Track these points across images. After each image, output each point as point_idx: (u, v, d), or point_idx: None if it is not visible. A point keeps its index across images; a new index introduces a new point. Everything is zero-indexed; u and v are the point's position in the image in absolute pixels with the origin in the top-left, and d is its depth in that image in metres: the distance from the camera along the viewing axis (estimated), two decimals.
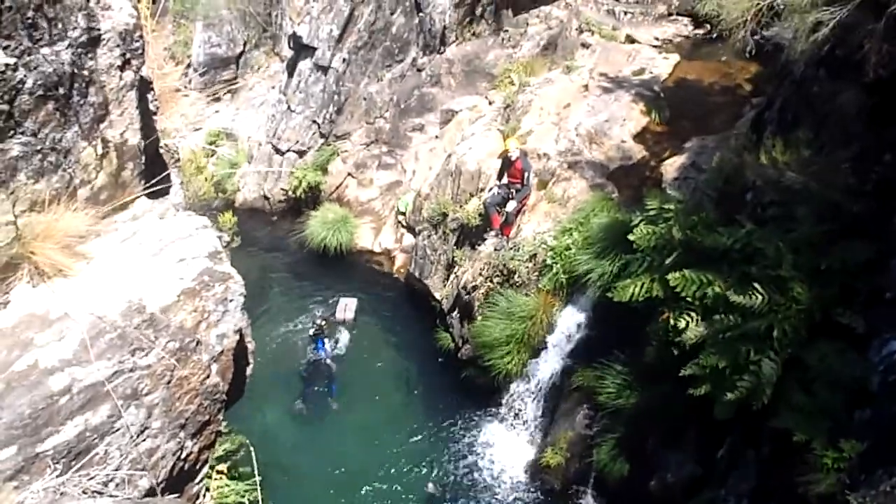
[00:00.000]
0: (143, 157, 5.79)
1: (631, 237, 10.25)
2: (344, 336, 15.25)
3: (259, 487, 5.13)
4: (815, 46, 9.70)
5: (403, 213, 17.32)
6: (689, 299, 9.17)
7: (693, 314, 9.11)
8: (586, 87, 15.45)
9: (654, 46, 17.55)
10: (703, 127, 13.54)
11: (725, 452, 9.63)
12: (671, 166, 12.76)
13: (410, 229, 17.05)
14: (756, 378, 8.25)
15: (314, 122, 19.03)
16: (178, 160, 6.90)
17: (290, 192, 18.97)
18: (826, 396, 7.89)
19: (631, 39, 17.94)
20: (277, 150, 19.42)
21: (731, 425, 9.44)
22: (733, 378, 8.50)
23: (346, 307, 16.06)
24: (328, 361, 14.39)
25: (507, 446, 12.69)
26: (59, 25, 4.91)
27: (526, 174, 12.93)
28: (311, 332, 14.74)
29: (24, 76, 4.67)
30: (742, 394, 8.30)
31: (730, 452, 9.59)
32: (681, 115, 14.33)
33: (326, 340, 14.63)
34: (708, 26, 17.12)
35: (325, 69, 18.65)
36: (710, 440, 9.87)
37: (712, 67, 15.59)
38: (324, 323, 14.83)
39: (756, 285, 8.46)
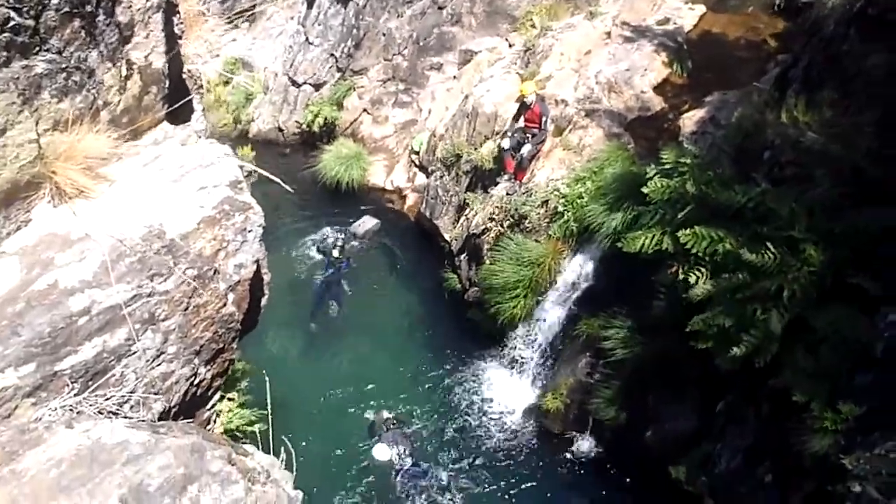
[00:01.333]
0: (167, 82, 5.77)
1: (644, 189, 10.19)
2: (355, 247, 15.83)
3: (270, 417, 5.22)
4: (846, 4, 9.52)
5: (417, 153, 17.25)
6: (699, 255, 9.17)
7: (702, 270, 9.12)
8: (608, 34, 15.17)
9: None
10: (726, 82, 13.30)
11: (724, 408, 9.74)
12: (690, 120, 12.61)
13: (423, 169, 17.00)
14: (762, 333, 8.28)
15: (332, 55, 18.83)
16: (201, 87, 6.87)
17: (304, 126, 18.88)
18: (829, 359, 7.95)
19: None
20: (293, 82, 19.27)
21: (731, 382, 9.55)
22: (738, 336, 8.54)
23: (364, 222, 16.63)
24: (341, 280, 14.85)
25: (507, 389, 12.85)
26: None
27: (543, 119, 12.81)
28: (333, 251, 15.01)
29: None
30: (747, 348, 8.34)
31: (728, 408, 9.70)
32: (703, 68, 14.08)
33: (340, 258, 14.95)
34: None
35: (345, 2, 18.39)
36: (709, 396, 9.98)
37: (738, 21, 15.25)
38: (340, 241, 15.29)
39: (768, 244, 8.45)
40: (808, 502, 8.39)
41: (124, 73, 5.32)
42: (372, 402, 12.42)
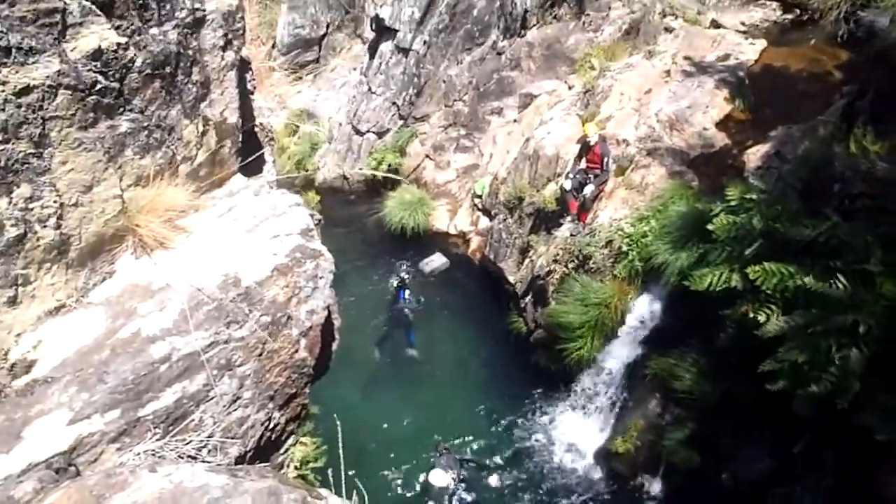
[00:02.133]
0: (240, 136, 6.02)
1: (710, 227, 10.10)
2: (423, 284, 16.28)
3: (342, 459, 5.30)
4: None
5: (479, 197, 17.39)
6: (768, 292, 9.01)
7: (773, 307, 8.96)
8: (668, 72, 15.18)
9: (740, 32, 17.04)
10: (789, 116, 13.14)
11: (802, 449, 9.46)
12: (754, 155, 12.47)
13: (486, 212, 17.11)
14: (842, 372, 8.05)
15: (394, 103, 19.22)
16: (273, 139, 7.13)
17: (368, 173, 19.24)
18: None
19: (716, 24, 17.48)
20: (357, 131, 19.69)
21: (809, 422, 9.28)
22: (813, 373, 8.33)
23: (433, 260, 16.94)
24: (407, 311, 15.12)
25: (577, 432, 12.71)
26: (168, 6, 5.14)
27: (605, 159, 12.85)
28: (395, 283, 15.76)
29: (135, 55, 4.91)
30: (826, 388, 8.12)
31: (807, 449, 9.42)
32: (766, 102, 13.94)
33: (408, 291, 15.40)
34: (797, 11, 16.62)
35: (405, 51, 18.79)
36: (785, 436, 9.71)
37: (800, 54, 15.09)
38: (407, 276, 15.96)
39: (840, 276, 8.27)
40: None
41: (201, 129, 5.58)
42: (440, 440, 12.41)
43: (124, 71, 4.85)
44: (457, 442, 12.64)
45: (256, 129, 6.65)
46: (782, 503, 9.55)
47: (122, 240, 5.18)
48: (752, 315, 9.18)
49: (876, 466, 7.89)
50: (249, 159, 6.02)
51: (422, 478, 11.89)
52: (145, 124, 5.11)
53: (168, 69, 5.18)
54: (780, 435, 9.85)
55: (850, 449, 8.72)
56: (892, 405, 7.78)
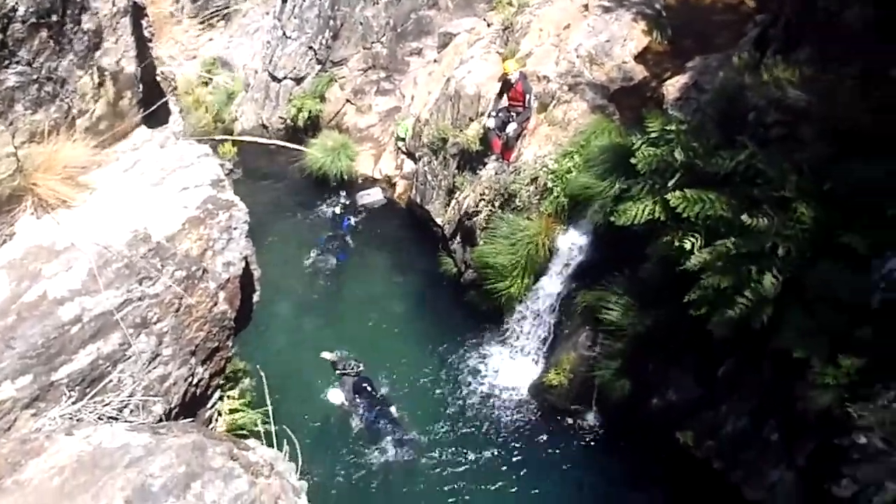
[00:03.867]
0: (140, 86, 5.74)
1: (632, 160, 10.21)
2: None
3: (270, 411, 5.23)
4: None
5: (403, 139, 17.19)
6: (691, 220, 9.18)
7: (696, 235, 9.14)
8: (586, 6, 15.09)
9: None
10: (706, 46, 13.27)
11: (726, 371, 9.78)
12: (673, 87, 12.58)
13: (410, 155, 16.95)
14: (757, 295, 8.31)
15: (310, 48, 18.74)
16: (176, 88, 6.84)
17: (288, 121, 18.83)
18: (826, 315, 7.99)
19: None
20: (274, 78, 19.19)
21: (732, 347, 9.59)
22: (734, 297, 8.57)
23: (370, 194, 17.13)
24: (348, 238, 15.82)
25: (510, 367, 12.88)
26: None
27: (527, 96, 12.79)
28: (338, 210, 16.51)
29: (16, 3, 4.60)
30: (742, 311, 8.37)
31: (730, 372, 9.75)
32: (683, 33, 14.05)
33: (352, 218, 16.29)
34: None
35: None
36: (711, 361, 10.02)
37: None
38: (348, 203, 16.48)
39: (760, 208, 8.47)
40: (815, 457, 8.48)
41: (97, 80, 5.28)
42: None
43: (6, 21, 4.53)
44: (386, 380, 12.69)
45: (158, 79, 6.36)
46: (709, 426, 9.89)
47: (20, 200, 4.91)
48: (676, 243, 9.36)
49: (794, 384, 8.20)
50: (152, 109, 5.74)
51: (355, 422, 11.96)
52: (35, 77, 4.81)
53: (55, 17, 4.85)
54: (706, 361, 10.16)
55: (771, 369, 9.05)
56: (808, 325, 8.06)
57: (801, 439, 8.64)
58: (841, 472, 7.94)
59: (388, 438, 11.62)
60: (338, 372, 12.08)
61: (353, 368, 12.00)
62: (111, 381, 4.71)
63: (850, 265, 7.91)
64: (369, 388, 11.88)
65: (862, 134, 8.22)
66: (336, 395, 11.94)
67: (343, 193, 17.11)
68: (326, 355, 12.31)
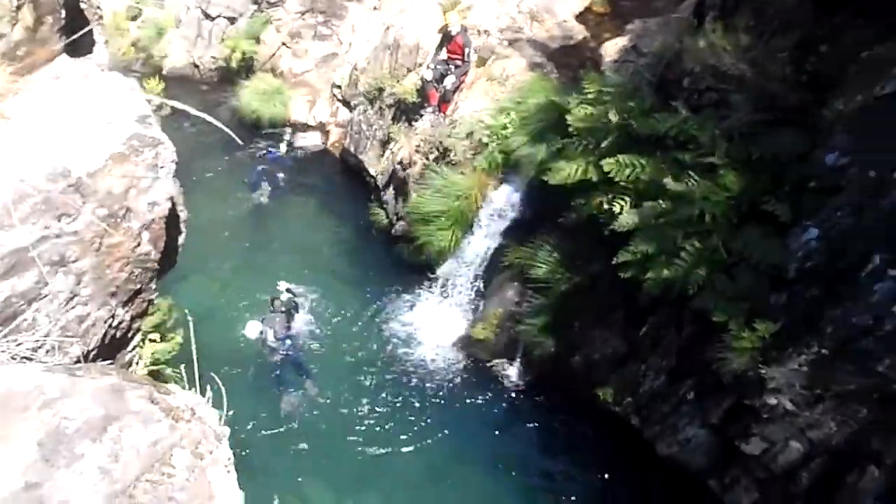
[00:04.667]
0: (63, 12, 5.44)
1: (568, 119, 10.24)
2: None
3: (194, 356, 5.13)
4: None
5: (339, 87, 16.88)
6: (622, 183, 9.29)
7: (626, 199, 9.26)
8: None
9: None
10: (646, 9, 13.35)
11: (648, 331, 10.02)
12: (612, 48, 12.63)
13: (346, 103, 16.67)
14: (692, 260, 8.47)
15: None
16: (101, 17, 6.52)
17: (220, 61, 18.25)
18: (747, 280, 8.21)
19: None
20: (207, 16, 18.51)
21: (654, 306, 9.80)
22: (660, 261, 8.74)
23: (308, 136, 17.28)
24: (278, 173, 15.74)
25: (438, 321, 12.94)
26: None
27: (466, 50, 12.67)
28: (263, 145, 16.30)
29: None
30: (677, 274, 8.54)
31: (652, 331, 9.98)
32: None
33: (282, 148, 16.25)
34: None
35: None
36: (634, 320, 10.24)
37: None
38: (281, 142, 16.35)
39: (689, 174, 8.61)
40: (727, 416, 8.78)
41: (15, 2, 4.99)
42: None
43: None
44: (315, 330, 12.64)
45: (83, 6, 6.04)
46: (628, 383, 10.15)
47: None
48: (606, 206, 9.47)
49: (712, 345, 8.44)
50: (75, 37, 5.46)
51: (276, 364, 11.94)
52: None
53: None
54: (629, 319, 10.39)
55: (691, 330, 9.30)
56: (728, 289, 8.29)
57: (715, 398, 8.93)
58: (751, 431, 8.26)
59: (310, 382, 11.68)
60: (270, 308, 11.94)
61: (284, 307, 11.91)
62: (25, 319, 4.54)
63: (772, 233, 8.13)
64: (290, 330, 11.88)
65: (791, 107, 8.40)
66: (253, 329, 11.82)
67: (276, 134, 16.80)
68: (282, 285, 12.24)
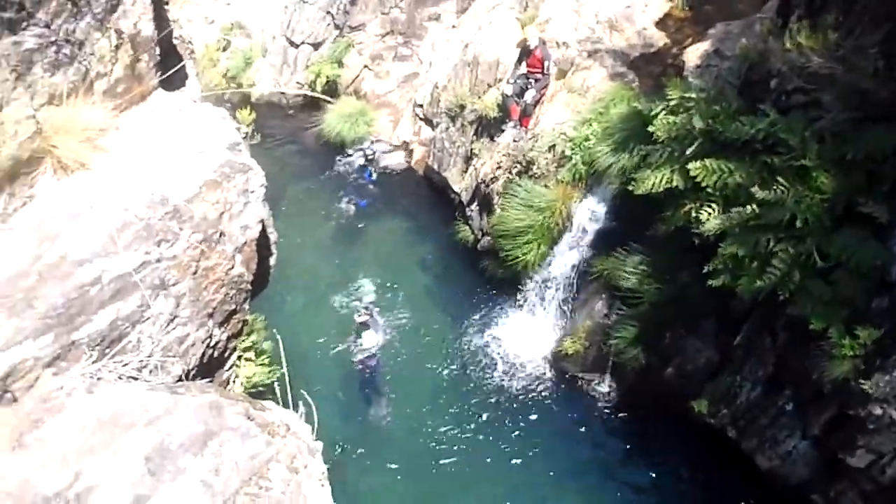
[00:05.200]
0: (158, 49, 5.75)
1: (651, 128, 10.12)
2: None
3: (286, 373, 5.30)
4: None
5: (421, 106, 17.10)
6: (709, 190, 9.11)
7: (714, 205, 9.08)
8: None
9: None
10: (728, 12, 13.04)
11: (742, 340, 9.79)
12: (693, 53, 12.38)
13: (428, 122, 16.87)
14: (785, 265, 8.24)
15: (328, 13, 18.58)
16: (193, 52, 6.84)
17: (306, 86, 18.76)
18: (845, 285, 7.95)
19: None
20: (292, 43, 19.06)
21: (748, 314, 9.57)
22: (753, 266, 8.53)
23: (392, 156, 17.39)
24: (371, 186, 16.23)
25: (526, 335, 12.90)
26: None
27: (546, 63, 12.68)
28: (362, 161, 16.59)
29: None
30: (771, 280, 8.32)
31: (746, 340, 9.75)
32: (704, 0, 13.85)
33: (373, 170, 16.45)
34: None
35: None
36: (727, 329, 10.03)
37: None
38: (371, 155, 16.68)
39: (779, 178, 8.39)
40: (829, 427, 8.49)
41: (114, 42, 5.30)
42: (388, 351, 12.52)
43: None
44: (403, 345, 12.77)
45: (175, 42, 6.36)
46: (724, 394, 9.91)
47: (39, 162, 4.96)
48: (693, 214, 9.30)
49: (810, 353, 8.19)
50: (169, 73, 5.75)
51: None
52: (53, 39, 4.83)
53: None
54: (722, 329, 10.17)
55: (787, 338, 9.03)
56: (825, 294, 8.02)
57: (815, 409, 8.66)
58: (856, 442, 7.95)
59: (385, 401, 11.92)
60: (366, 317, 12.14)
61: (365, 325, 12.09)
62: (130, 341, 4.79)
63: (870, 235, 7.85)
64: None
65: (884, 102, 8.10)
66: (370, 339, 11.93)
67: (364, 152, 17.01)
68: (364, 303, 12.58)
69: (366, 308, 12.23)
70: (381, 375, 12.04)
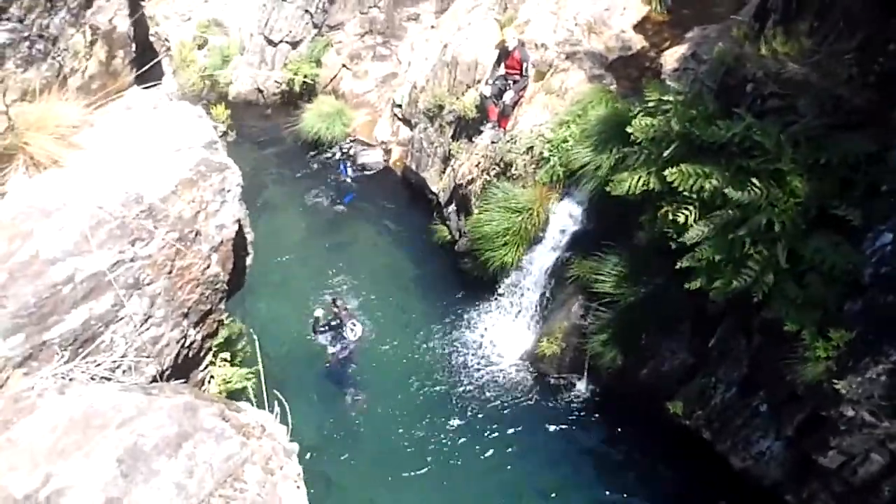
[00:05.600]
0: (134, 45, 5.69)
1: (629, 129, 10.16)
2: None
3: (262, 374, 5.26)
4: None
5: (399, 106, 17.08)
6: (686, 193, 9.17)
7: (690, 208, 9.13)
8: None
9: None
10: (705, 16, 13.14)
11: (716, 342, 9.86)
12: (671, 57, 12.47)
13: (406, 122, 16.86)
14: (760, 267, 8.31)
15: (306, 11, 18.51)
16: (169, 49, 6.78)
17: (284, 85, 18.68)
18: (819, 288, 8.03)
19: None
20: (270, 42, 18.97)
21: (722, 316, 9.64)
22: (728, 269, 8.59)
23: (369, 154, 17.38)
24: (349, 180, 16.33)
25: (503, 336, 12.93)
26: None
27: (524, 64, 12.69)
28: (338, 156, 16.87)
29: None
30: (745, 283, 8.39)
31: (721, 342, 9.82)
32: (683, 3, 13.91)
33: (350, 166, 16.57)
34: None
35: None
36: (702, 331, 10.09)
37: None
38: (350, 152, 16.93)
39: (754, 180, 8.46)
40: (803, 428, 8.57)
41: (89, 38, 5.24)
42: (363, 352, 12.48)
43: None
44: (380, 346, 12.75)
45: (152, 39, 6.30)
46: (699, 393, 9.99)
47: (11, 159, 4.89)
48: (670, 216, 9.35)
49: (784, 355, 8.25)
50: (145, 69, 5.70)
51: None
52: (26, 34, 4.78)
53: None
54: (697, 331, 10.24)
55: (761, 340, 9.11)
56: (800, 296, 8.10)
57: (789, 410, 8.74)
58: (828, 444, 8.03)
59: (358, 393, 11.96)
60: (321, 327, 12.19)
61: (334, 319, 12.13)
62: (103, 341, 4.73)
63: (843, 239, 7.93)
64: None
65: (858, 109, 8.20)
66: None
67: (341, 150, 17.15)
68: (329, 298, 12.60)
69: (335, 301, 12.23)
70: (351, 367, 12.08)
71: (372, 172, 16.99)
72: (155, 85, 5.91)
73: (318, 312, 12.16)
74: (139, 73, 5.74)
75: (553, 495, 10.69)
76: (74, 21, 5.10)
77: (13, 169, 4.92)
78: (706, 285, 8.95)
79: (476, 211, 12.89)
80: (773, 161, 8.52)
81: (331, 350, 11.93)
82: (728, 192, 8.53)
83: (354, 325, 11.72)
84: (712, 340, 9.95)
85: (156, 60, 6.01)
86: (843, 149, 8.10)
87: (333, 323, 11.95)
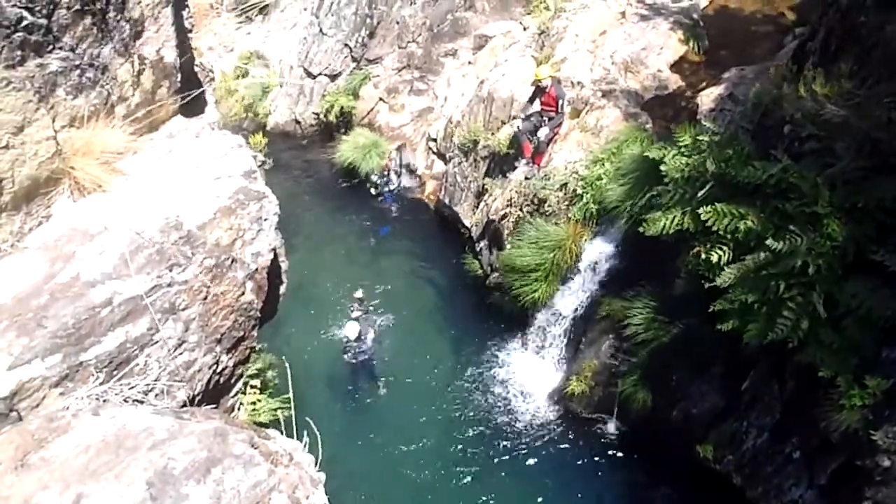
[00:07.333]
0: (179, 76, 5.83)
1: (663, 168, 10.13)
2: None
3: (292, 403, 5.29)
4: None
5: (434, 140, 17.25)
6: (720, 233, 9.10)
7: (724, 248, 9.05)
8: (623, 14, 15.07)
9: None
10: (743, 57, 13.18)
11: (749, 386, 9.68)
12: (707, 97, 12.48)
13: (441, 156, 17.00)
14: (796, 314, 8.18)
15: (346, 45, 18.85)
16: (213, 79, 6.95)
17: (321, 116, 18.94)
18: (855, 333, 7.87)
19: None
20: (309, 74, 19.31)
21: (756, 360, 9.49)
22: (763, 312, 8.47)
23: (404, 177, 17.82)
24: (392, 208, 16.86)
25: (532, 373, 12.85)
26: None
27: (560, 101, 12.77)
28: (379, 182, 17.22)
29: None
30: (783, 331, 8.26)
31: (754, 386, 9.65)
32: (720, 44, 13.97)
33: (394, 189, 17.17)
34: None
35: None
36: (734, 374, 9.93)
37: None
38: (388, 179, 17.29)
39: (790, 224, 8.37)
40: (836, 478, 8.36)
41: (137, 68, 5.39)
42: (393, 383, 12.60)
43: (52, 7, 4.65)
44: (409, 378, 12.75)
45: (196, 70, 6.45)
46: (730, 440, 9.81)
47: (57, 183, 5.02)
48: (704, 256, 9.27)
49: (819, 401, 8.10)
50: (188, 99, 5.83)
51: (374, 420, 12.09)
52: (77, 63, 4.92)
53: (98, 5, 4.97)
54: (729, 373, 10.08)
55: (794, 385, 8.95)
56: (835, 342, 7.96)
57: (822, 458, 8.53)
58: (863, 494, 7.83)
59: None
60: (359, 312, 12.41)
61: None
62: (138, 364, 4.80)
63: (881, 284, 7.80)
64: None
65: None
66: (352, 329, 12.21)
67: (380, 178, 17.42)
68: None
69: (358, 303, 12.45)
70: (374, 368, 12.40)
71: (408, 201, 17.19)
72: (198, 114, 6.06)
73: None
74: (183, 102, 5.87)
75: None
76: (124, 51, 5.26)
77: (59, 192, 5.05)
78: (739, 327, 8.83)
79: (508, 246, 12.90)
80: (809, 204, 8.42)
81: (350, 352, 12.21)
82: (769, 243, 8.43)
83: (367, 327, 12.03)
84: (745, 384, 9.78)
85: (199, 91, 6.14)
86: (880, 192, 7.99)
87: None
